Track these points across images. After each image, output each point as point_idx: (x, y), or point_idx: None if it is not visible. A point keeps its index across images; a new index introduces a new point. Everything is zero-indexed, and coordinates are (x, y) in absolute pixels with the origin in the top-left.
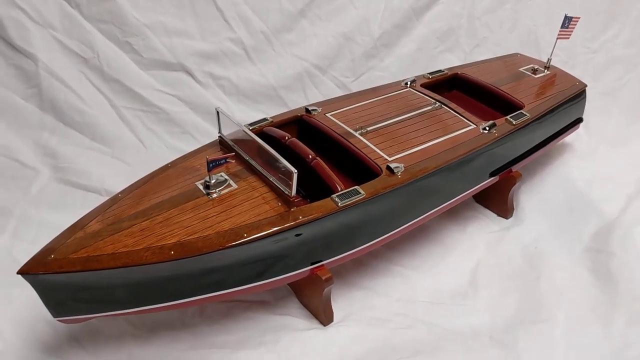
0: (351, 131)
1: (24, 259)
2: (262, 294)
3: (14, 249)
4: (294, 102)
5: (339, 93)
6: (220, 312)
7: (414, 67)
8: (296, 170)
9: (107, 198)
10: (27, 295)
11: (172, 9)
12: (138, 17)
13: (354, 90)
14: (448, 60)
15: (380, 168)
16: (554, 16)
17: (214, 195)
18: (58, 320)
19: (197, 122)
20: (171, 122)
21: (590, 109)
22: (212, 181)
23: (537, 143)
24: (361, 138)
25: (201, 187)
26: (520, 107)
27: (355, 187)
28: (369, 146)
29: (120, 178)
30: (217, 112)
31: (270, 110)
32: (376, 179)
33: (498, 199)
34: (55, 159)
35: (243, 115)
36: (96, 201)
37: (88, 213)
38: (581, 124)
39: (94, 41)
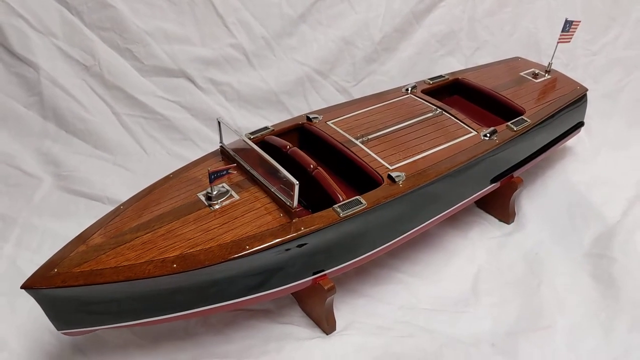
0: (352, 139)
1: (27, 268)
2: (264, 303)
3: (18, 258)
4: (295, 107)
5: (340, 98)
6: (223, 321)
7: (414, 70)
8: (297, 182)
9: (109, 206)
10: (31, 306)
11: (173, 16)
12: (139, 24)
13: (355, 95)
14: (449, 64)
15: (382, 177)
16: (555, 19)
17: (216, 207)
18: (62, 333)
19: (199, 128)
20: (173, 128)
21: (591, 111)
22: (214, 192)
23: (538, 148)
24: (362, 146)
25: (203, 199)
26: (521, 113)
27: (357, 197)
28: (370, 155)
29: (122, 185)
30: (219, 122)
31: (272, 116)
32: (378, 188)
33: (499, 204)
34: (57, 167)
35: (244, 121)
36: (99, 209)
37: (90, 225)
38: (582, 128)
39: (95, 48)
